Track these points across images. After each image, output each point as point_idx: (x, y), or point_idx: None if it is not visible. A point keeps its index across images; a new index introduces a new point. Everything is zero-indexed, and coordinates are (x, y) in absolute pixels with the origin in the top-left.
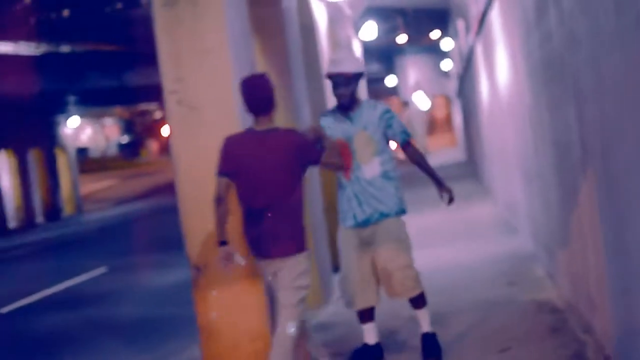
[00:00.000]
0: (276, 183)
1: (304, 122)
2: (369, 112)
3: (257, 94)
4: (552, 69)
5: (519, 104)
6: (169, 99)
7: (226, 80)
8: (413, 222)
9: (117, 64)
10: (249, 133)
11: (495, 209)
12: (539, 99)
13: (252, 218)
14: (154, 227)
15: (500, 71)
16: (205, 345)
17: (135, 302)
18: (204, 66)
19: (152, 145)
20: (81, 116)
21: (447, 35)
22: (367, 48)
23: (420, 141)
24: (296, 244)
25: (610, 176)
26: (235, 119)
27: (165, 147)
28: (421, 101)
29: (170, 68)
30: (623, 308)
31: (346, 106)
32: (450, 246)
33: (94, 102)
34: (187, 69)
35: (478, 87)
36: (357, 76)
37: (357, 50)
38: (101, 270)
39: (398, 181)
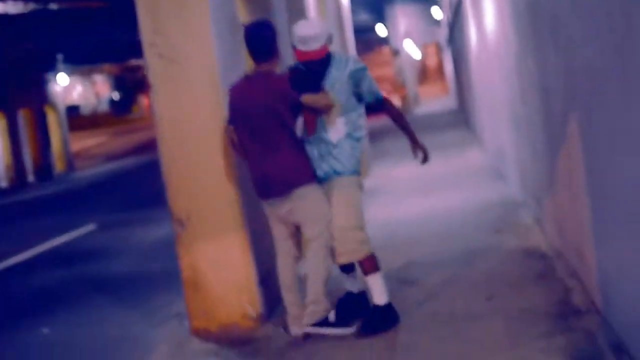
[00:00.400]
0: (267, 124)
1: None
2: (337, 72)
3: (254, 41)
4: (537, 14)
5: (506, 50)
6: (149, 52)
7: (205, 32)
8: (403, 171)
9: (106, 21)
10: (244, 78)
11: (485, 156)
12: (525, 46)
13: (253, 162)
14: (145, 182)
15: (488, 18)
16: (191, 299)
17: (124, 258)
18: (182, 18)
19: (144, 101)
20: (71, 74)
21: None
22: None
23: (412, 90)
24: (299, 177)
25: (594, 123)
26: (216, 71)
27: None
28: (412, 50)
29: (148, 20)
30: (606, 254)
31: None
32: (439, 194)
33: (83, 59)
34: (165, 21)
35: (467, 34)
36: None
37: (345, 1)
38: (90, 227)
39: (360, 141)
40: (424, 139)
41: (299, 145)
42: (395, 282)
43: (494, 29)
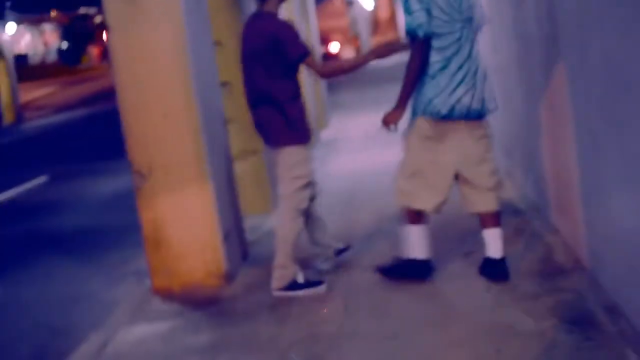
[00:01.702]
0: (254, 72)
1: None
2: None
3: None
4: None
5: None
6: None
7: None
8: (359, 122)
9: None
10: (249, 17)
11: None
12: None
13: (249, 106)
14: (97, 133)
15: None
16: (152, 256)
17: (79, 211)
18: None
19: (93, 51)
20: (19, 22)
21: None
22: None
23: (365, 41)
24: (284, 135)
25: (587, 70)
26: (179, 12)
27: (107, 52)
28: (365, 1)
29: None
30: (594, 208)
31: None
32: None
33: (31, 7)
34: None
35: None
36: None
37: None
38: (42, 179)
39: (426, 78)
40: (376, 91)
41: (289, 100)
42: (367, 236)
43: None
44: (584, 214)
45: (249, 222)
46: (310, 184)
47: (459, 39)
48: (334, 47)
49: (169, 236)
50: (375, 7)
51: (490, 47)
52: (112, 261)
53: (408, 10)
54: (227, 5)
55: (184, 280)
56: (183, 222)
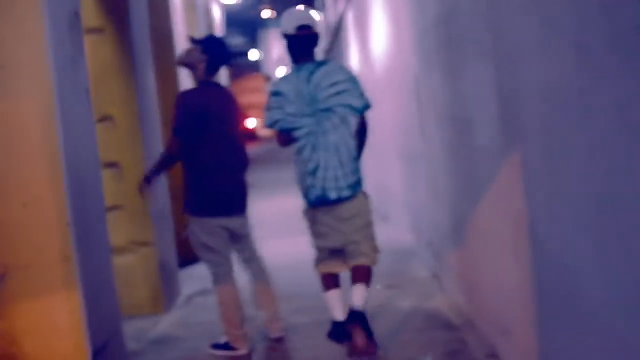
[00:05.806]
0: (238, 136)
1: (147, 91)
2: None
3: (223, 51)
4: (456, 24)
5: (403, 76)
6: None
7: (38, 33)
8: (269, 205)
9: None
10: (204, 84)
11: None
12: (431, 68)
13: (220, 174)
14: None
15: (377, 40)
16: None
17: None
18: (11, 15)
19: None
20: None
21: (314, 8)
22: (230, 19)
23: None
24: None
25: (549, 160)
26: (50, 80)
27: None
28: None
29: None
30: (553, 335)
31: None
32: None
33: None
34: None
35: (347, 60)
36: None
37: (217, 16)
38: None
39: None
40: (290, 170)
41: None
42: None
43: (387, 52)
44: (539, 341)
45: (135, 325)
46: None
47: (308, 133)
48: (251, 122)
49: (27, 352)
50: None
51: (418, 131)
52: None
53: (267, 107)
54: (120, 75)
55: None
56: (44, 336)
